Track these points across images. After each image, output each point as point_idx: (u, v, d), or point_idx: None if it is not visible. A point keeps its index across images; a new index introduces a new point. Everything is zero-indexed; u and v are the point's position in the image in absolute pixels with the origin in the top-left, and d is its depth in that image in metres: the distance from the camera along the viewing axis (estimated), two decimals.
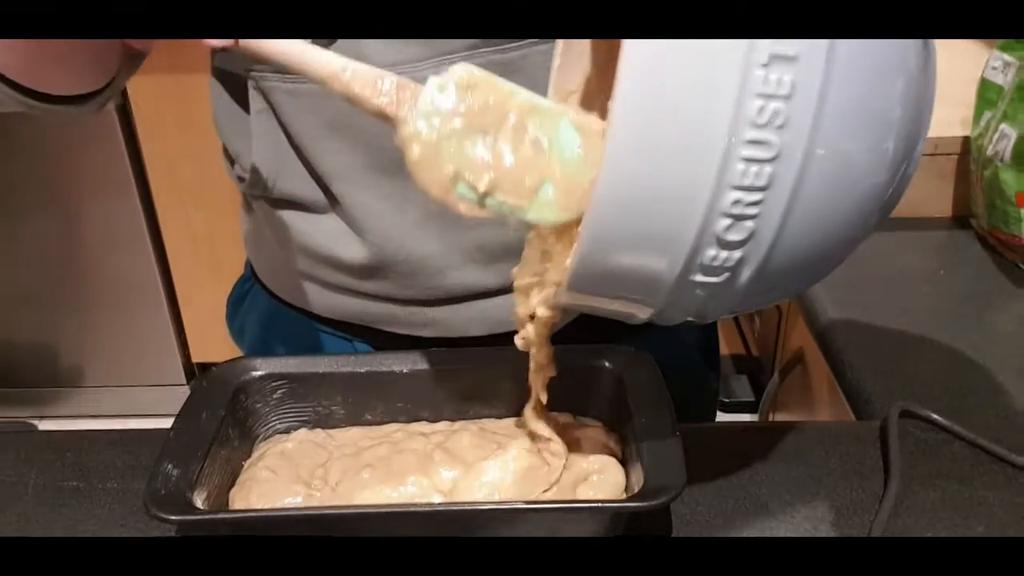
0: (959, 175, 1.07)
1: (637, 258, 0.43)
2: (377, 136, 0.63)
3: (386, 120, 0.45)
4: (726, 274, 0.44)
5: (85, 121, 1.79)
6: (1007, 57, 0.99)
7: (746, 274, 0.44)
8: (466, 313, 0.72)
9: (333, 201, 0.69)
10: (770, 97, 0.39)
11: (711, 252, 0.42)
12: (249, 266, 0.84)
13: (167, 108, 1.79)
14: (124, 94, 1.80)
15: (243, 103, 0.67)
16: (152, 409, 2.06)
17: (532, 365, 0.57)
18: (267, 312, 0.81)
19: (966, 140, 1.05)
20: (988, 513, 0.62)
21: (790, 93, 0.40)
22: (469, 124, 0.45)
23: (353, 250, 0.70)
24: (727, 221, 0.41)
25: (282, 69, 0.62)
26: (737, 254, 0.43)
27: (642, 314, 0.48)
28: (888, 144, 0.44)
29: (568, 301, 0.49)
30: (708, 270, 0.43)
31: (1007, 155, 0.95)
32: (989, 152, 0.97)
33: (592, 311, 0.50)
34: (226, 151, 0.74)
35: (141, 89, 1.79)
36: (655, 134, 0.40)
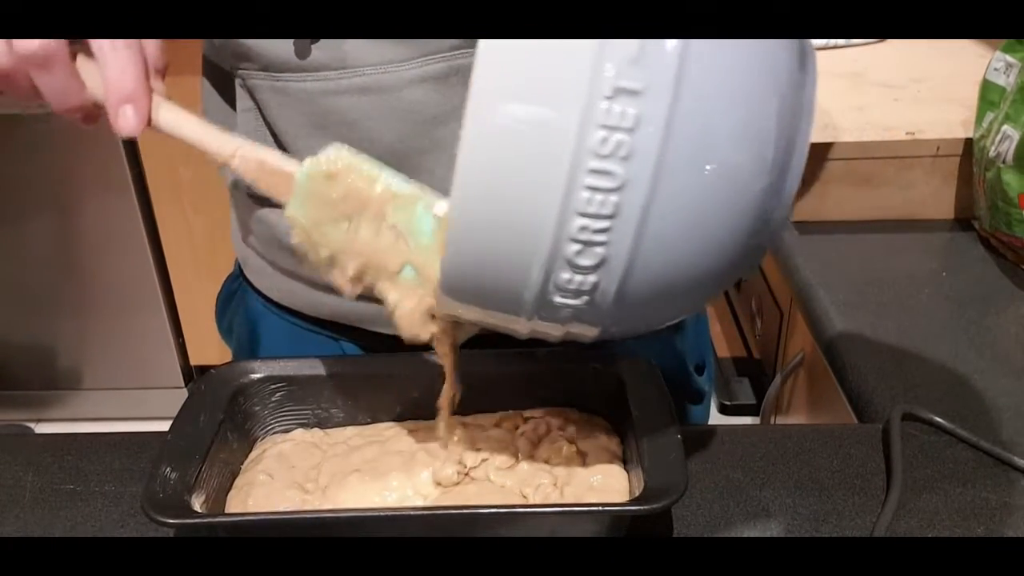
0: (961, 177, 1.07)
1: (497, 273, 0.43)
2: (363, 136, 0.63)
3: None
4: (585, 297, 0.44)
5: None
6: (1009, 58, 0.99)
7: (606, 298, 0.44)
8: None
9: None
10: (613, 129, 0.39)
11: (565, 275, 0.43)
12: (238, 265, 0.83)
13: None
14: None
15: (231, 101, 0.67)
16: (150, 412, 2.06)
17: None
18: (254, 311, 0.80)
19: (968, 142, 1.05)
20: (989, 516, 0.62)
21: (634, 126, 0.39)
22: (335, 211, 0.49)
23: None
24: (576, 246, 0.42)
25: (267, 67, 0.62)
26: (592, 278, 0.43)
27: (521, 329, 0.48)
28: (745, 165, 0.42)
29: (447, 312, 0.50)
30: (566, 292, 0.44)
31: (1009, 156, 0.95)
32: (991, 153, 0.97)
33: (479, 324, 0.51)
34: None
35: None
36: (502, 155, 0.40)
